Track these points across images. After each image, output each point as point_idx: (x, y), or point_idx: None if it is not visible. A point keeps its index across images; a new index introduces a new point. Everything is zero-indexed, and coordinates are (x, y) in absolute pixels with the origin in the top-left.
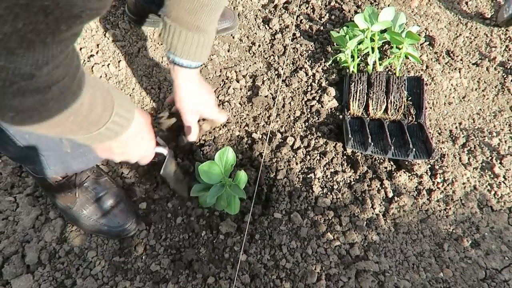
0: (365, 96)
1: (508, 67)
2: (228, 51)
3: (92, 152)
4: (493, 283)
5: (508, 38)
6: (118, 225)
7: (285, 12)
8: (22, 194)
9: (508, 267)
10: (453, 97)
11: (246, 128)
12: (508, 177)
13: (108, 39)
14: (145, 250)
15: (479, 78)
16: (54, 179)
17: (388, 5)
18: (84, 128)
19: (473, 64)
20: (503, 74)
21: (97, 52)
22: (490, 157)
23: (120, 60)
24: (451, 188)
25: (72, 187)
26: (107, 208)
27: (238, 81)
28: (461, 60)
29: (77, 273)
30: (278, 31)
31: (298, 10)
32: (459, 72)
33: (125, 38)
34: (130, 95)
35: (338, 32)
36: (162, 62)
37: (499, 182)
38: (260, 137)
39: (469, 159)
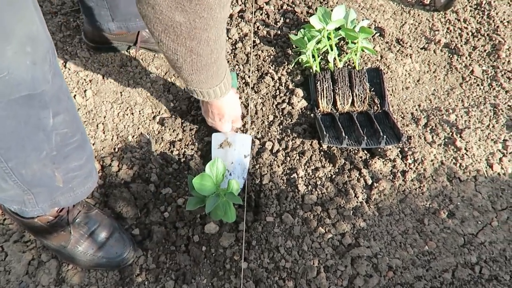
0: (332, 92)
1: (452, 47)
2: None
3: (80, 187)
4: (472, 247)
5: (448, 21)
6: (116, 256)
7: (241, 20)
8: (9, 242)
9: (482, 230)
10: (409, 81)
11: None
12: (469, 148)
13: (69, 69)
14: (146, 276)
15: (429, 61)
16: (46, 220)
17: (337, 3)
18: (215, 78)
19: (421, 48)
20: (449, 55)
21: None
22: (450, 133)
23: (86, 90)
24: (421, 167)
25: (64, 225)
26: (102, 240)
27: None
28: (410, 46)
29: None
30: (238, 40)
31: (254, 17)
32: (410, 57)
33: (87, 67)
34: (102, 123)
35: (296, 35)
36: (129, 86)
37: (462, 154)
38: None
39: (432, 137)
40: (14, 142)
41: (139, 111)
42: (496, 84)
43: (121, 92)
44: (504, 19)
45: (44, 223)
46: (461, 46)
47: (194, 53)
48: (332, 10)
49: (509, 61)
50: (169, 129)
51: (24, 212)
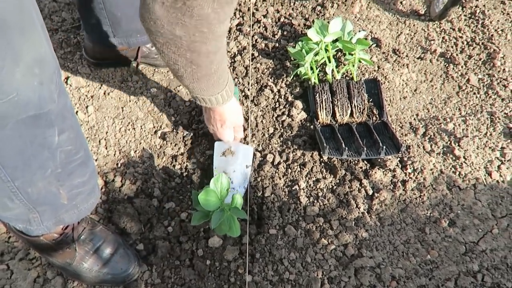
0: (331, 104)
1: (448, 56)
2: None
3: (84, 203)
4: (473, 255)
5: (443, 31)
6: (121, 271)
7: (239, 34)
8: (15, 260)
9: (483, 238)
10: (406, 91)
11: None
12: (468, 156)
13: (71, 86)
14: None
15: (425, 71)
16: (51, 237)
17: (333, 14)
18: (216, 86)
19: (417, 58)
20: (445, 64)
21: None
22: (449, 141)
23: (88, 106)
24: (421, 176)
25: (70, 242)
26: (107, 256)
27: None
28: (406, 56)
29: None
30: (236, 53)
31: (252, 30)
32: (407, 67)
33: (88, 83)
34: (104, 139)
35: (294, 47)
36: (130, 101)
37: (461, 163)
38: None
39: (431, 146)
40: (20, 161)
41: (141, 126)
42: (492, 92)
43: (122, 107)
44: (498, 28)
45: (49, 241)
46: (457, 55)
47: (194, 64)
48: (329, 22)
49: (504, 69)
50: (171, 143)
51: (29, 231)
